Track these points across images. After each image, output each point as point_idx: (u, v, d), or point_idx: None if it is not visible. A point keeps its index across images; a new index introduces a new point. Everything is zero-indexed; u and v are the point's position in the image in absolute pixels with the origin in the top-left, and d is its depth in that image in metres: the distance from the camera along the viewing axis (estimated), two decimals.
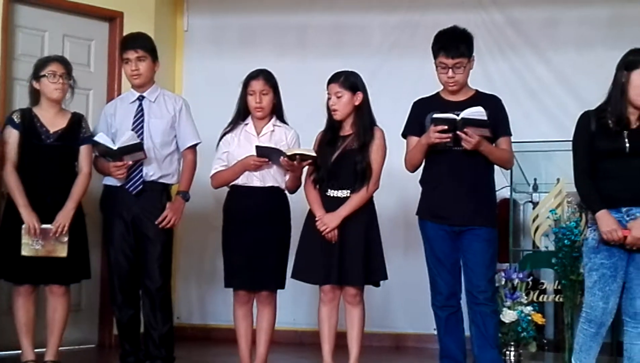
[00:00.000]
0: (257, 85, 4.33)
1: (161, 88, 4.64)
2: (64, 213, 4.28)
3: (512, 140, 4.19)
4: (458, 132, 3.86)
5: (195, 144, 4.59)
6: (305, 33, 6.14)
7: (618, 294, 3.69)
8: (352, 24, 6.09)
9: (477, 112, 3.84)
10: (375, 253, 4.21)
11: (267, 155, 4.25)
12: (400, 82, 5.72)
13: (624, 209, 3.64)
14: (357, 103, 4.22)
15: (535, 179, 5.41)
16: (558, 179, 4.94)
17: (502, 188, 5.14)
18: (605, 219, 3.61)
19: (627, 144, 3.64)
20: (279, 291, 4.39)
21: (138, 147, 4.36)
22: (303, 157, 4.18)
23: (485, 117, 3.83)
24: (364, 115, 4.23)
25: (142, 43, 4.50)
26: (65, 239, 4.26)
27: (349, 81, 4.22)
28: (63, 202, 4.30)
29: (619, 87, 3.67)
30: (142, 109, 4.52)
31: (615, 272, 3.66)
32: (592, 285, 3.70)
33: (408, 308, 5.72)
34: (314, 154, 4.19)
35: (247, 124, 4.40)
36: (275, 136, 4.36)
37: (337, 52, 5.85)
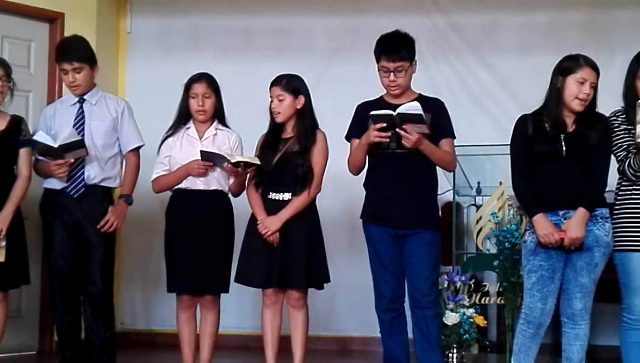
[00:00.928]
0: (200, 88, 4.32)
1: (102, 91, 4.59)
2: (1, 217, 4.19)
3: (455, 143, 4.23)
4: (397, 129, 3.88)
5: (138, 147, 4.55)
6: (249, 36, 6.13)
7: (556, 295, 3.75)
8: (296, 27, 6.10)
9: (412, 107, 3.86)
10: (318, 256, 4.22)
11: (211, 160, 4.23)
12: (344, 85, 5.74)
13: (561, 213, 3.69)
14: (299, 106, 4.23)
15: (478, 183, 5.46)
16: (501, 183, 5.00)
17: (445, 192, 5.18)
18: (542, 223, 3.67)
19: (564, 148, 3.70)
20: (224, 295, 4.37)
21: (79, 144, 4.29)
22: (247, 164, 4.17)
23: (421, 112, 3.84)
24: (306, 118, 4.24)
25: (77, 55, 4.40)
26: (3, 244, 4.18)
27: (291, 84, 4.23)
28: (1, 206, 4.21)
29: (555, 92, 3.73)
30: (82, 112, 4.45)
31: (553, 274, 3.71)
32: (530, 286, 3.75)
33: (353, 311, 5.74)
34: (258, 162, 4.19)
35: (189, 128, 4.38)
36: (217, 139, 4.35)
37: (280, 56, 5.84)
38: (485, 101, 5.96)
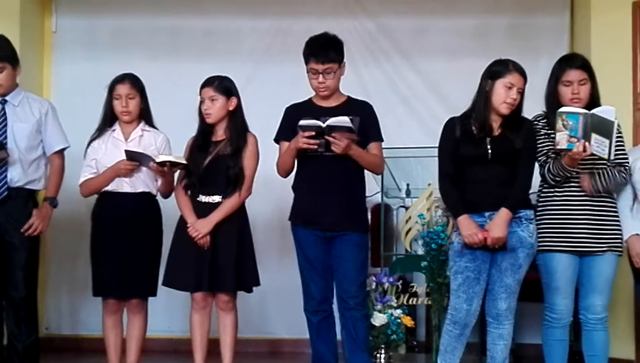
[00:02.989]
0: (123, 89, 4.27)
1: (25, 91, 4.48)
2: None
3: (385, 146, 4.26)
4: (327, 137, 3.90)
5: (63, 149, 4.45)
6: (177, 37, 6.05)
7: (481, 296, 3.80)
8: (225, 28, 6.05)
9: (341, 121, 3.88)
10: (248, 259, 4.20)
11: (137, 159, 4.18)
12: (273, 87, 5.72)
13: (487, 214, 3.74)
14: (231, 108, 4.21)
15: (408, 185, 5.50)
16: (429, 184, 5.05)
17: (375, 194, 5.22)
18: (465, 224, 3.72)
19: (489, 151, 3.75)
20: (154, 298, 4.33)
21: (0, 146, 4.19)
22: (173, 164, 4.13)
23: (350, 125, 3.88)
24: (237, 120, 4.23)
25: None
26: None
27: (224, 86, 4.21)
28: None
29: (483, 96, 3.79)
30: (4, 113, 4.33)
31: (479, 275, 3.77)
32: (456, 287, 3.79)
33: (284, 313, 5.73)
34: (184, 161, 4.15)
35: (114, 130, 4.32)
36: (144, 140, 4.30)
37: (209, 57, 5.80)
38: (414, 104, 6.02)
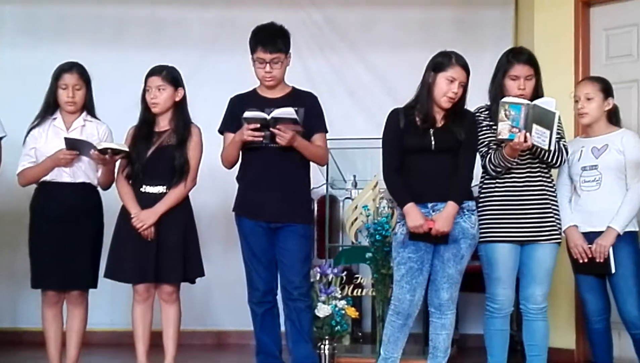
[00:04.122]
0: (71, 79, 4.20)
1: None
2: None
3: (332, 137, 4.25)
4: (272, 129, 3.88)
5: (0, 138, 4.35)
6: (121, 26, 5.97)
7: (424, 287, 3.83)
8: (171, 17, 5.99)
9: (286, 112, 3.87)
10: (192, 250, 4.18)
11: (77, 148, 4.11)
12: (219, 78, 5.67)
13: (430, 205, 3.76)
14: (177, 98, 4.18)
15: (354, 176, 5.51)
16: (375, 176, 5.06)
17: (321, 185, 5.21)
18: (412, 214, 3.73)
19: (433, 142, 3.77)
20: (98, 291, 4.27)
21: None
22: (115, 151, 4.07)
23: (295, 117, 3.87)
24: (183, 111, 4.20)
25: None
26: None
27: (172, 75, 4.18)
28: None
29: (426, 87, 3.81)
30: None
31: (422, 265, 3.79)
32: (400, 278, 3.81)
33: (229, 305, 5.70)
34: (126, 149, 4.10)
35: (55, 118, 4.24)
36: (86, 130, 4.23)
37: (154, 47, 5.73)
38: (361, 95, 6.03)
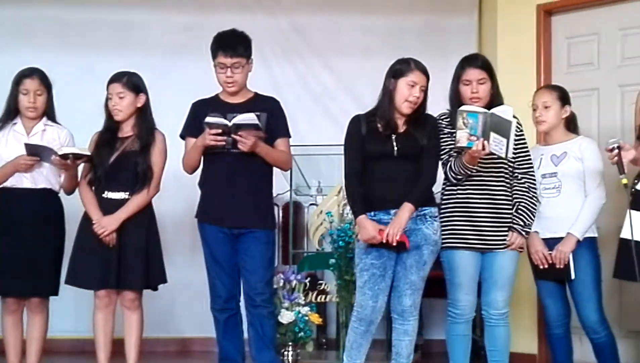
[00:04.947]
0: (32, 85, 4.18)
1: None
2: None
3: (297, 143, 4.25)
4: (233, 135, 3.88)
5: None
6: (86, 30, 5.92)
7: (387, 293, 3.82)
8: (136, 22, 5.97)
9: (248, 118, 3.87)
10: (154, 257, 4.17)
11: (38, 153, 4.09)
12: (185, 83, 5.63)
13: (392, 211, 3.75)
14: (139, 105, 4.17)
15: (319, 182, 5.51)
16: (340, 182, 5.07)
17: (286, 191, 5.21)
18: (364, 226, 3.72)
19: (395, 148, 3.78)
20: (60, 298, 4.24)
21: None
22: (77, 156, 4.04)
23: (257, 122, 3.87)
24: (146, 117, 4.20)
25: None
26: None
27: (132, 82, 4.17)
28: None
29: (387, 94, 3.82)
30: None
31: (385, 272, 3.79)
32: (362, 284, 3.81)
33: (193, 311, 5.65)
34: (88, 153, 4.08)
35: (15, 123, 4.22)
36: (46, 135, 4.21)
37: (121, 51, 5.70)
38: (327, 102, 6.05)
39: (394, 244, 3.69)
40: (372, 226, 3.71)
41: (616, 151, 3.61)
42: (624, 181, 3.56)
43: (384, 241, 3.68)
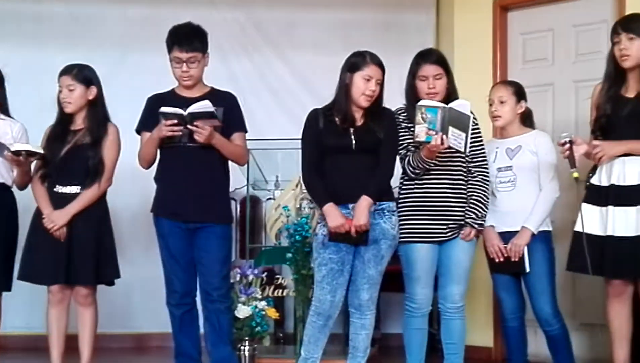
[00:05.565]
0: None
1: None
2: None
3: (254, 138, 4.23)
4: (189, 126, 3.85)
5: None
6: (40, 22, 5.84)
7: (345, 287, 3.83)
8: (91, 15, 5.89)
9: (203, 106, 3.85)
10: (107, 252, 4.13)
11: None
12: (141, 77, 5.58)
13: (350, 206, 3.76)
14: (90, 97, 4.14)
15: (277, 177, 5.49)
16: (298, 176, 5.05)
17: (244, 186, 5.18)
18: (332, 214, 3.73)
19: (353, 141, 3.78)
20: (13, 294, 4.20)
21: None
22: (30, 153, 3.98)
23: (212, 109, 3.85)
24: (97, 110, 4.16)
25: None
26: None
27: (82, 74, 4.13)
28: None
29: (343, 88, 3.82)
30: None
31: (343, 266, 3.79)
32: (321, 279, 3.81)
33: (150, 307, 5.60)
34: (41, 151, 4.03)
35: None
36: None
37: (75, 44, 5.63)
38: (284, 96, 6.05)
39: (361, 231, 3.70)
40: (340, 214, 3.72)
41: (568, 145, 3.66)
42: (575, 174, 3.63)
43: (352, 231, 3.69)
